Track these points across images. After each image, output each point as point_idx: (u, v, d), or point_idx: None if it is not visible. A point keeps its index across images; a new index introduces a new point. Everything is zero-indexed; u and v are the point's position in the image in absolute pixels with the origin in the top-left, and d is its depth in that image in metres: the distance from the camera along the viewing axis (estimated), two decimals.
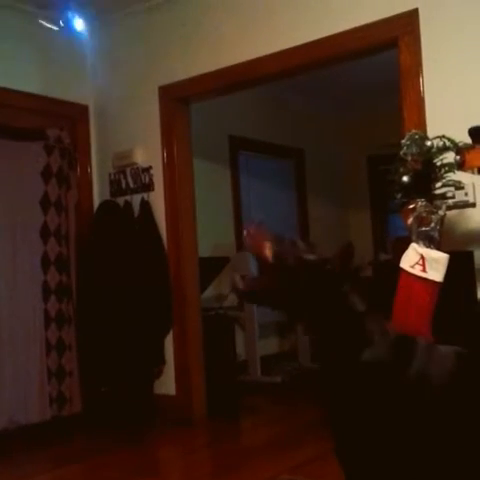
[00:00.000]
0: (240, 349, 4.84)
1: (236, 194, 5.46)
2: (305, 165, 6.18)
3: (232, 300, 5.10)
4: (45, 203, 3.87)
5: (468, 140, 2.32)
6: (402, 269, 2.36)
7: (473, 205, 2.75)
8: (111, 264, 3.86)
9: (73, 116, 4.15)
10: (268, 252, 1.62)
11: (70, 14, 3.50)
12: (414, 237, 2.39)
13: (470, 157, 2.28)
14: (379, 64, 3.72)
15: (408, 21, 2.87)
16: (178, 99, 3.87)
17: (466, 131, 2.33)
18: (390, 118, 3.60)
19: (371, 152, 6.09)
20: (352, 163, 6.40)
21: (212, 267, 4.61)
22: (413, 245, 2.37)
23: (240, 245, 5.40)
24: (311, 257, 1.46)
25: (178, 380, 3.90)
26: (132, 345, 3.80)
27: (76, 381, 3.93)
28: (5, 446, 3.45)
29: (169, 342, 3.93)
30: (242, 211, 5.50)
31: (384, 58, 3.21)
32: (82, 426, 3.83)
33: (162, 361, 3.92)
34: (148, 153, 3.96)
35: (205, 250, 4.44)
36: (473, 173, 2.42)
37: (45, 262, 3.86)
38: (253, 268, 5.00)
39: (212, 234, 4.95)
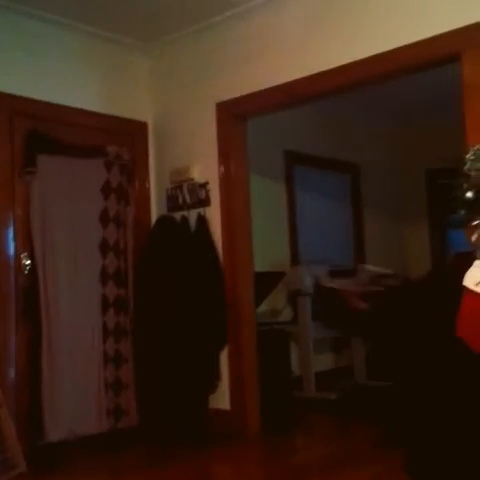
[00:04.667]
0: (295, 365, 4.80)
1: (291, 209, 5.44)
2: (360, 180, 6.11)
3: (287, 315, 5.07)
4: (105, 218, 3.96)
5: None
6: (466, 287, 2.29)
7: None
8: (168, 278, 3.89)
9: (132, 133, 4.23)
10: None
11: None
12: (479, 254, 2.32)
13: None
14: (437, 78, 3.66)
15: (471, 34, 2.81)
16: (235, 115, 3.89)
17: None
18: (448, 132, 3.54)
19: (429, 166, 5.98)
20: (410, 177, 6.29)
21: (267, 282, 4.59)
22: (478, 262, 2.30)
23: (294, 260, 5.37)
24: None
25: (232, 395, 3.89)
26: (187, 359, 3.81)
27: (133, 393, 3.97)
28: (64, 456, 3.52)
29: (224, 357, 3.93)
30: (297, 226, 5.47)
31: (442, 72, 3.15)
32: (138, 439, 3.86)
33: (217, 376, 3.92)
34: (205, 169, 4.00)
35: (260, 264, 4.43)
36: None
37: (104, 276, 3.93)
38: (306, 282, 4.92)
39: (268, 249, 4.94)
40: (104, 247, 3.95)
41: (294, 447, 3.94)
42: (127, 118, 4.17)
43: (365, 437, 3.94)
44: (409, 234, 6.38)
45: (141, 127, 4.27)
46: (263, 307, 4.64)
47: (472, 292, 2.27)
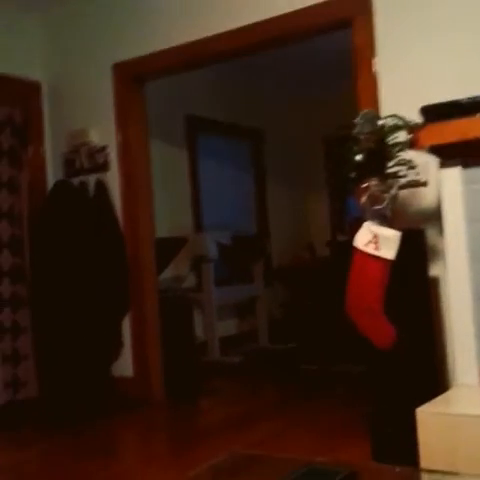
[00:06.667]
0: (199, 331, 4.85)
1: (193, 175, 5.41)
2: (264, 146, 6.17)
3: (190, 281, 5.10)
4: None
5: (420, 119, 2.35)
6: (356, 247, 2.39)
7: (424, 184, 2.79)
8: (66, 246, 3.78)
9: (25, 94, 4.02)
10: None
11: None
12: (367, 216, 2.42)
13: (421, 136, 2.31)
14: (334, 45, 3.73)
15: (362, 0, 2.87)
16: (132, 77, 3.79)
17: (418, 110, 2.36)
18: (345, 99, 3.62)
19: (326, 133, 6.11)
20: (309, 144, 6.41)
21: (170, 248, 4.58)
22: (366, 224, 2.40)
23: (197, 226, 5.38)
24: None
25: (136, 362, 3.88)
26: (89, 327, 3.75)
27: (32, 364, 3.87)
28: None
29: (126, 324, 3.90)
30: (200, 192, 5.47)
31: (340, 38, 3.21)
32: (39, 410, 3.78)
33: (120, 343, 3.89)
34: (103, 132, 3.89)
35: (163, 231, 4.41)
36: (425, 152, 2.45)
37: None
38: (210, 248, 5.03)
39: (170, 215, 4.91)
40: None
41: (199, 410, 4.00)
42: (18, 77, 3.96)
43: (268, 397, 4.08)
44: (310, 201, 6.54)
45: (34, 87, 4.05)
46: (167, 273, 4.63)
47: (361, 251, 2.38)
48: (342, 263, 2.48)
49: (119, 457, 3.15)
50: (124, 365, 3.90)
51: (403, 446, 2.29)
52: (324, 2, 3.00)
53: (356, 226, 2.48)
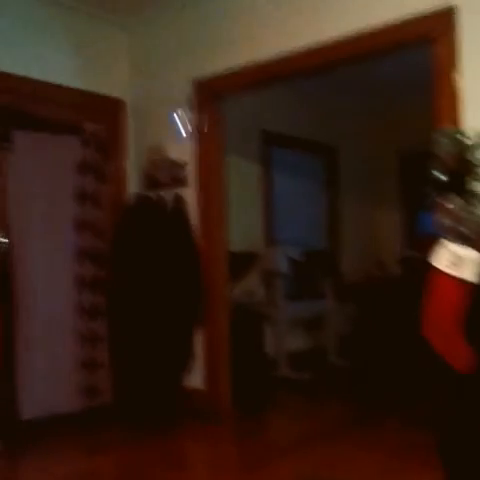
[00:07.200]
0: (269, 345, 4.85)
1: (267, 189, 5.45)
2: (337, 162, 6.14)
3: (261, 295, 5.12)
4: (81, 196, 3.94)
5: None
6: (434, 267, 2.34)
7: None
8: (144, 258, 3.88)
9: (110, 110, 4.19)
10: None
11: None
12: (448, 236, 2.37)
13: None
14: (410, 61, 3.70)
15: (445, 17, 2.84)
16: (212, 94, 3.87)
17: None
18: (420, 115, 3.57)
19: (401, 148, 6.04)
20: (383, 160, 6.33)
21: (242, 262, 4.62)
22: (446, 243, 2.35)
23: (269, 240, 5.40)
24: None
25: (206, 374, 3.93)
26: (163, 338, 3.83)
27: (107, 372, 3.98)
28: (36, 435, 3.50)
29: (199, 336, 3.95)
30: (273, 207, 5.50)
31: (416, 55, 3.18)
32: (112, 417, 3.86)
33: (192, 355, 3.95)
34: (182, 148, 3.98)
35: (235, 245, 4.46)
36: None
37: (80, 255, 3.92)
38: (282, 263, 5.00)
39: (242, 229, 4.95)
40: (80, 225, 3.93)
41: (267, 426, 4.00)
42: (104, 95, 4.13)
43: (337, 415, 4.03)
44: (381, 217, 6.44)
45: (118, 104, 4.22)
46: (238, 288, 4.67)
47: (439, 270, 2.32)
48: (416, 281, 2.43)
49: (191, 471, 3.17)
50: (195, 377, 3.95)
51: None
52: (408, 19, 2.98)
53: (430, 244, 2.43)
